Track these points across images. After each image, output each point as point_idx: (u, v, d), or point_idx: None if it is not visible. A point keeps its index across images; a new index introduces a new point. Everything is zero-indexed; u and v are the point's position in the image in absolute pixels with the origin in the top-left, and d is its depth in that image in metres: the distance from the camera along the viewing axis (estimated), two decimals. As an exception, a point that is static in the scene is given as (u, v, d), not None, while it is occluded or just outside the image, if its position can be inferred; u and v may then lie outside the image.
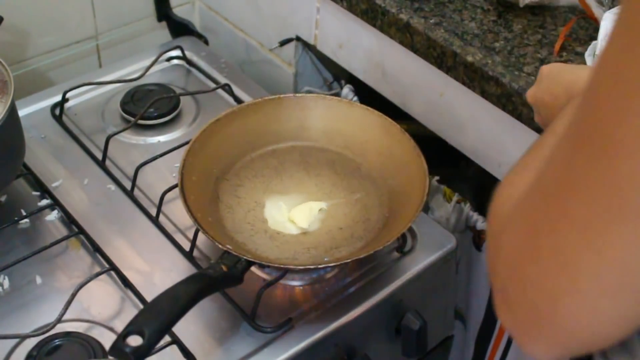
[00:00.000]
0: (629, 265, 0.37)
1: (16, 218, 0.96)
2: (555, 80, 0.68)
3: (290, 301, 0.90)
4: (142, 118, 1.10)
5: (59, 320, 0.82)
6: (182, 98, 1.15)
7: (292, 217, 0.92)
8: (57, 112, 1.13)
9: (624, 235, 0.37)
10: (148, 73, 1.17)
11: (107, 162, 1.06)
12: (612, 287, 0.38)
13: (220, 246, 0.82)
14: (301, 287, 0.91)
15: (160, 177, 1.03)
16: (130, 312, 0.87)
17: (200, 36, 1.33)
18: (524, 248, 0.41)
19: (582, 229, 0.38)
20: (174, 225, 0.98)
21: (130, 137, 1.10)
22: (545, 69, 0.70)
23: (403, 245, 0.96)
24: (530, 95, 0.71)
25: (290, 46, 1.26)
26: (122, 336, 0.68)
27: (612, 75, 0.37)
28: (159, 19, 1.37)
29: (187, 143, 0.95)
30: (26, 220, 0.97)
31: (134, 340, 0.68)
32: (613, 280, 0.38)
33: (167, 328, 0.72)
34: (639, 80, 0.35)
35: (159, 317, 0.71)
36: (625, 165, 0.36)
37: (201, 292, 0.76)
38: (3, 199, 1.00)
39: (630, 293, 0.38)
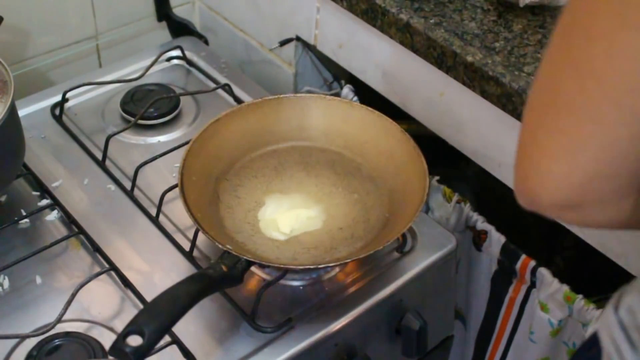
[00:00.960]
0: (583, 141, 0.48)
1: (16, 218, 0.96)
2: None
3: (290, 301, 0.90)
4: (142, 118, 1.10)
5: (59, 320, 0.82)
6: (182, 98, 1.15)
7: (277, 221, 0.92)
8: (57, 112, 1.13)
9: (589, 115, 0.47)
10: (148, 73, 1.17)
11: (107, 162, 1.06)
12: (567, 149, 0.49)
13: (220, 246, 0.82)
14: (301, 287, 0.91)
15: (160, 177, 1.03)
16: (130, 312, 0.87)
17: (200, 36, 1.33)
18: (529, 108, 0.52)
19: (558, 102, 0.49)
20: (174, 225, 0.98)
21: (130, 137, 1.10)
22: None
23: (403, 245, 0.96)
24: None
25: (290, 46, 1.26)
26: (122, 336, 0.68)
27: None
28: (159, 19, 1.37)
29: (187, 143, 0.95)
30: (26, 220, 0.97)
31: (134, 340, 0.68)
32: (565, 148, 0.49)
33: (167, 328, 0.72)
34: None
35: (158, 317, 0.71)
36: (596, 49, 0.46)
37: (201, 292, 0.76)
38: (3, 199, 1.00)
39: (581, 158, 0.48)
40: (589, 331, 0.62)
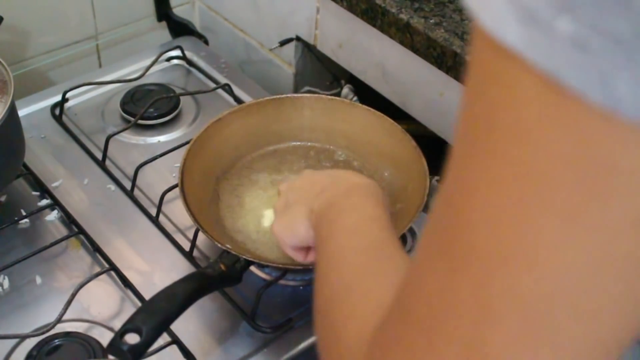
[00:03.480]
0: None
1: (16, 218, 0.96)
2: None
3: (290, 301, 0.90)
4: (142, 118, 1.10)
5: (59, 320, 0.82)
6: (182, 98, 1.15)
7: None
8: (57, 112, 1.13)
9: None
10: (148, 73, 1.17)
11: (107, 162, 1.06)
12: None
13: (219, 245, 0.82)
14: (301, 287, 0.91)
15: (160, 177, 1.03)
16: (130, 312, 0.86)
17: (200, 36, 1.33)
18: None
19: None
20: (174, 225, 0.98)
21: (130, 137, 1.10)
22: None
23: (403, 246, 0.96)
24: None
25: (290, 46, 1.26)
26: (119, 334, 0.68)
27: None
28: (159, 19, 1.37)
29: (187, 143, 0.95)
30: (26, 220, 0.97)
31: (131, 338, 0.68)
32: None
33: (164, 326, 0.72)
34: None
35: (156, 315, 0.71)
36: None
37: (199, 291, 0.76)
38: (3, 199, 1.00)
39: None
40: None
